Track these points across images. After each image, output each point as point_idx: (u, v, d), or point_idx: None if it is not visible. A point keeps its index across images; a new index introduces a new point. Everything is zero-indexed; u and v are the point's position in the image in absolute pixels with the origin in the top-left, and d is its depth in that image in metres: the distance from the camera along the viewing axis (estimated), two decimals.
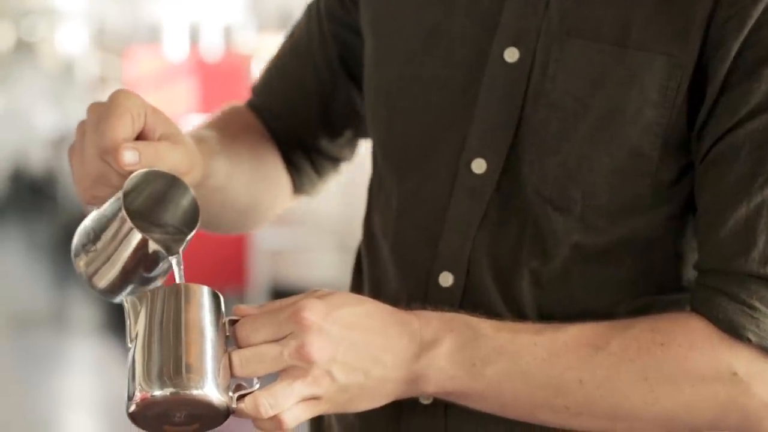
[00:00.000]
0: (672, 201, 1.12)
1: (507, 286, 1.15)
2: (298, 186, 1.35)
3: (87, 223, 1.09)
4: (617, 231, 1.13)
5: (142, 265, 1.07)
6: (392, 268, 1.22)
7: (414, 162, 1.20)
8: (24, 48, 8.03)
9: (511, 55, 1.13)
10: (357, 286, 1.29)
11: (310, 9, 1.36)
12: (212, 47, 5.89)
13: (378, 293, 1.21)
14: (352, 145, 1.38)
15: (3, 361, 5.23)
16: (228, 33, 6.05)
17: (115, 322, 5.56)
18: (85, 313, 5.98)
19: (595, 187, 1.11)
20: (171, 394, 1.01)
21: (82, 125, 1.08)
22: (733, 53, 1.05)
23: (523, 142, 1.13)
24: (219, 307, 1.06)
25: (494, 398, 1.09)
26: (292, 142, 1.34)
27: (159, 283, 1.09)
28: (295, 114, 1.35)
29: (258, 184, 1.29)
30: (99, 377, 5.18)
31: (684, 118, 1.08)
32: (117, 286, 1.09)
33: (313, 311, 1.03)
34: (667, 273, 1.15)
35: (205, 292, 1.05)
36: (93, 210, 1.10)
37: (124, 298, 1.06)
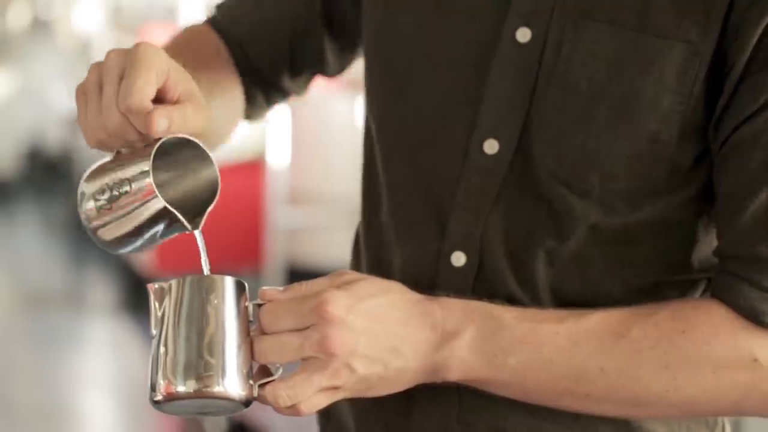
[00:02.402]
0: (689, 185, 1.12)
1: (521, 266, 1.15)
2: (248, 114, 1.36)
3: (103, 176, 1.09)
4: (635, 214, 1.13)
5: (156, 230, 1.08)
6: (398, 248, 1.22)
7: (423, 141, 1.20)
8: (40, 26, 8.02)
9: (523, 35, 1.13)
10: (357, 267, 1.29)
11: None
12: None
13: (380, 273, 1.20)
14: (308, 82, 1.39)
15: (19, 340, 5.25)
16: None
17: (132, 301, 5.57)
18: (101, 292, 5.99)
19: (614, 172, 1.12)
20: (194, 391, 1.03)
21: (98, 68, 1.07)
22: (753, 41, 1.04)
23: (537, 124, 1.13)
24: (243, 295, 1.06)
25: (517, 387, 1.10)
26: (253, 76, 1.34)
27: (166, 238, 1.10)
28: (263, 53, 1.34)
29: (224, 115, 1.29)
30: (115, 357, 5.19)
31: (702, 106, 1.08)
32: (123, 243, 1.10)
33: (336, 305, 1.03)
34: (679, 254, 1.15)
35: (229, 283, 1.06)
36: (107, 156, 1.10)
37: (148, 285, 1.08)
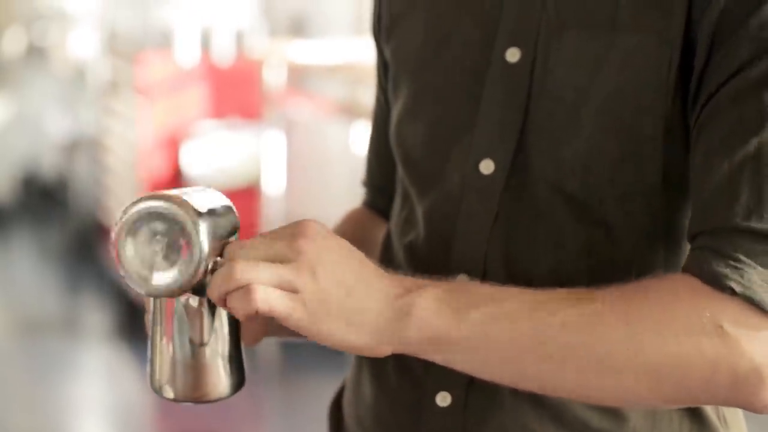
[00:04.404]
0: (684, 189, 1.13)
1: (526, 285, 1.15)
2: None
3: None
4: (636, 222, 1.14)
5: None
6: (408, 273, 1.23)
7: (431, 172, 1.23)
8: (35, 53, 8.04)
9: (512, 54, 1.15)
10: None
11: (376, 76, 1.40)
12: (224, 52, 5.89)
13: None
14: None
15: (14, 366, 5.24)
16: (240, 38, 6.06)
17: (127, 328, 5.56)
18: (96, 319, 5.98)
19: (609, 176, 1.12)
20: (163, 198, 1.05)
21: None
22: (714, 18, 1.06)
23: (532, 139, 1.15)
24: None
25: (479, 346, 1.07)
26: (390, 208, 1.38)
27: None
28: (392, 189, 1.38)
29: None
30: (110, 383, 5.18)
31: (679, 97, 1.09)
32: None
33: (313, 223, 1.06)
34: (679, 257, 1.16)
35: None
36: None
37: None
